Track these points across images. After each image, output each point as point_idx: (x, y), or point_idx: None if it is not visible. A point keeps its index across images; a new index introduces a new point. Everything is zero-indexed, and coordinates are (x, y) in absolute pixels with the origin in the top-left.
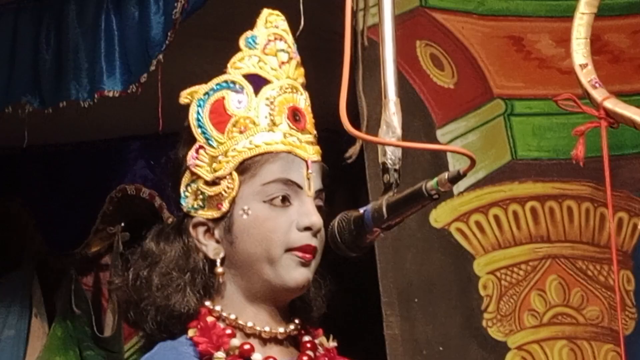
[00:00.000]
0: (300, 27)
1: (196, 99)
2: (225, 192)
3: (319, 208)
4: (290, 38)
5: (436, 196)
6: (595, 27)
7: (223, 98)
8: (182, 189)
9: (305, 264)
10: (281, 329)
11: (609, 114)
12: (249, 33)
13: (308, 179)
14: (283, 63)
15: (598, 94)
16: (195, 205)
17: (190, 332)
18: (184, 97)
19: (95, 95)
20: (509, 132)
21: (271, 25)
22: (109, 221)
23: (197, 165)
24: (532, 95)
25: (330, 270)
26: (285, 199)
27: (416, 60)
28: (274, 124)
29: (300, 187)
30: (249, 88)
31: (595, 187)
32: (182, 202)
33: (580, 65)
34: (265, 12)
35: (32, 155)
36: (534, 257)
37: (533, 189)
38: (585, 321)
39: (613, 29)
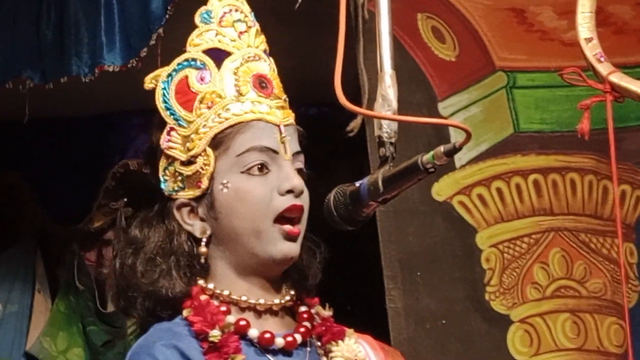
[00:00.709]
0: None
1: (160, 82)
2: (202, 169)
3: (299, 170)
4: (246, 7)
5: (432, 170)
6: None
7: (186, 77)
8: (161, 173)
9: (291, 238)
10: (276, 300)
11: (615, 88)
12: (203, 8)
13: (282, 142)
14: (242, 33)
15: (603, 68)
16: (176, 187)
17: (185, 312)
18: (148, 82)
19: (96, 70)
20: (511, 105)
21: None
22: (111, 196)
23: (170, 148)
24: (534, 67)
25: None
26: (262, 167)
27: (417, 33)
28: (241, 94)
29: (275, 152)
30: (210, 63)
31: (598, 160)
32: (162, 186)
33: (586, 39)
34: None
35: (34, 130)
36: (536, 230)
37: (536, 162)
38: (588, 294)
39: (617, 0)
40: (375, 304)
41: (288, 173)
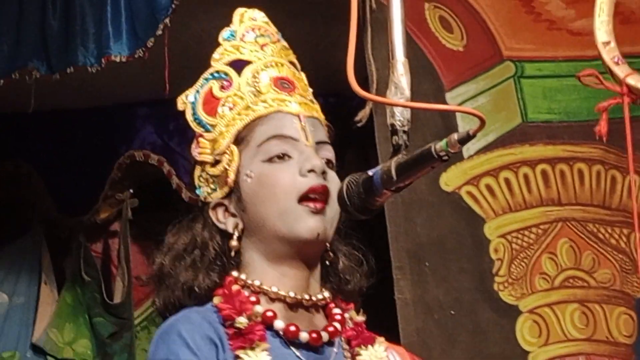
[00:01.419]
0: None
1: (189, 99)
2: (229, 165)
3: (327, 161)
4: (271, 27)
5: (445, 157)
6: None
7: (210, 88)
8: (196, 182)
9: (316, 211)
10: (306, 296)
11: (632, 90)
12: (226, 29)
13: (303, 130)
14: (264, 45)
15: (621, 71)
16: (209, 190)
17: (215, 300)
18: (180, 103)
19: (103, 60)
20: (519, 95)
21: (247, 19)
22: (117, 187)
23: (200, 153)
24: (542, 57)
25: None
26: (283, 155)
27: (425, 23)
28: (260, 92)
29: (295, 139)
30: (232, 72)
31: (606, 150)
32: (198, 192)
33: (604, 43)
34: (239, 11)
35: (40, 121)
36: (545, 220)
37: (544, 152)
38: (596, 284)
39: None
40: (383, 294)
41: (309, 155)
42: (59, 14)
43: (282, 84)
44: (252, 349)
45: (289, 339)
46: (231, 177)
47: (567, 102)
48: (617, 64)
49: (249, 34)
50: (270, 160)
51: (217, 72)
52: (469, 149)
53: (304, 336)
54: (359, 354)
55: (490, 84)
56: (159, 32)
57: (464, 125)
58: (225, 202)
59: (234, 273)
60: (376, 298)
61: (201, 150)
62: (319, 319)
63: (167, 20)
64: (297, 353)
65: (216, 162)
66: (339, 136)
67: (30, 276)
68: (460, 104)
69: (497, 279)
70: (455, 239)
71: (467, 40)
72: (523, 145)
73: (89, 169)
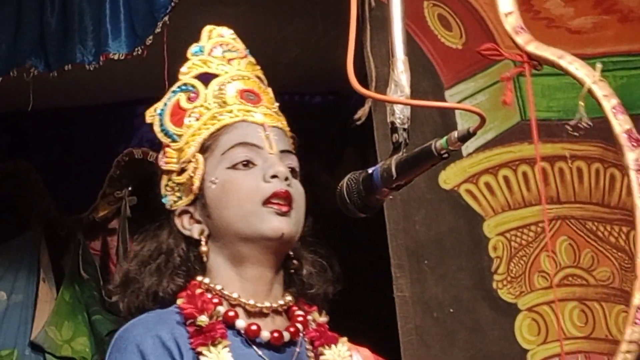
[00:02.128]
0: None
1: (157, 112)
2: (193, 173)
3: (291, 170)
4: (239, 44)
5: (446, 155)
6: None
7: (178, 100)
8: (162, 191)
9: (281, 213)
10: (267, 303)
11: (532, 57)
12: (194, 45)
13: (267, 139)
14: (231, 59)
15: (521, 39)
16: (175, 199)
17: (179, 301)
18: (148, 115)
19: (101, 58)
20: (518, 93)
21: (215, 36)
22: (116, 185)
23: (167, 163)
24: None
25: (339, 233)
26: (248, 162)
27: (424, 21)
28: (226, 103)
29: (260, 147)
30: (199, 85)
31: (605, 148)
32: (164, 200)
33: (505, 13)
34: (207, 28)
35: (39, 118)
36: (543, 219)
37: (542, 150)
38: (595, 282)
39: None
40: (383, 292)
41: (273, 162)
42: (57, 12)
43: (248, 95)
44: (214, 345)
45: (251, 338)
46: (196, 184)
47: (565, 100)
48: (518, 33)
49: (216, 49)
50: (234, 167)
51: (185, 84)
52: (467, 147)
53: (265, 335)
54: (322, 354)
55: (489, 82)
56: (158, 30)
57: (463, 123)
58: (191, 209)
59: (199, 277)
60: (375, 296)
61: (168, 160)
62: (281, 321)
63: (166, 19)
64: (259, 352)
65: (182, 171)
66: (338, 134)
67: (29, 274)
68: (459, 102)
69: (496, 277)
70: (454, 237)
71: (466, 38)
72: (522, 143)
73: (87, 167)
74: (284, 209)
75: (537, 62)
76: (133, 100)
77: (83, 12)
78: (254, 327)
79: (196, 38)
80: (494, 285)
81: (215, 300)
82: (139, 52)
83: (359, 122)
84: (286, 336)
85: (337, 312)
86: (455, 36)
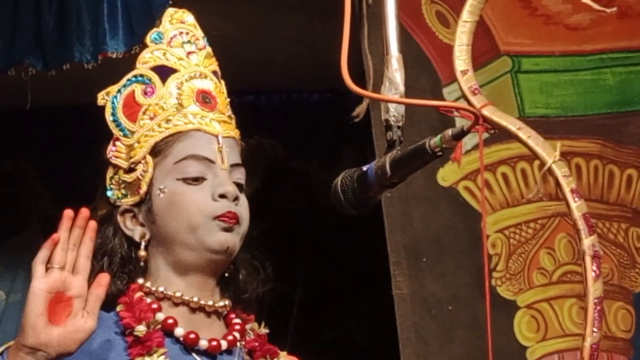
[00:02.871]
0: None
1: (110, 97)
2: (142, 175)
3: (237, 184)
4: (198, 32)
5: (440, 153)
6: None
7: (133, 91)
8: (108, 182)
9: (228, 228)
10: (210, 302)
11: (486, 120)
12: (154, 30)
13: (220, 152)
14: (190, 53)
15: (477, 101)
16: (120, 195)
17: (118, 308)
18: (100, 98)
19: (99, 57)
20: (516, 89)
21: (176, 22)
22: None
23: (115, 157)
24: (539, 52)
25: (338, 230)
26: (198, 178)
27: (422, 18)
28: (182, 106)
29: (212, 161)
30: (156, 78)
31: (603, 144)
32: (109, 194)
33: (462, 72)
34: (170, 10)
35: (38, 117)
36: (542, 215)
37: None
38: None
39: None
40: (381, 290)
41: (222, 180)
42: (54, 10)
43: (205, 98)
44: (150, 355)
45: (189, 345)
46: (143, 188)
47: (564, 97)
48: (474, 93)
49: (176, 39)
50: (184, 180)
51: (142, 75)
52: (466, 144)
53: (203, 343)
54: None
55: (487, 79)
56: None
57: (461, 120)
58: (135, 209)
59: (140, 280)
60: (374, 294)
61: (117, 154)
62: (220, 327)
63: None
64: (198, 359)
65: (130, 170)
66: (336, 132)
67: (28, 273)
68: (457, 99)
69: (494, 274)
70: (453, 234)
71: None
72: None
73: (86, 166)
74: (231, 222)
75: (490, 127)
76: None
77: (81, 11)
78: (192, 336)
79: None
80: (493, 282)
81: (155, 306)
82: (137, 51)
83: (356, 120)
84: (224, 345)
85: (336, 310)
86: (453, 33)
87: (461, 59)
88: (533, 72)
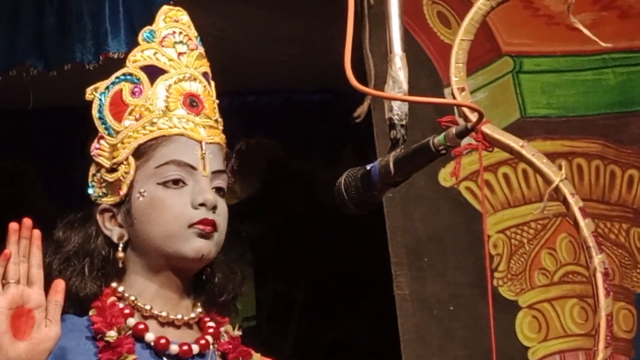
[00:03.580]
0: None
1: (98, 93)
2: (123, 177)
3: (218, 189)
4: (192, 31)
5: (444, 151)
6: None
7: (121, 90)
8: (90, 178)
9: (204, 235)
10: (179, 316)
11: (486, 138)
12: (147, 28)
13: (203, 159)
14: (181, 54)
15: (475, 118)
16: (100, 193)
17: (91, 312)
18: (88, 93)
19: (100, 57)
20: (517, 90)
21: (170, 20)
22: None
23: (98, 155)
24: (540, 52)
25: (338, 231)
26: (179, 180)
27: (423, 18)
28: (169, 109)
29: (194, 167)
30: (144, 78)
31: (604, 145)
32: (90, 191)
33: (459, 89)
34: (165, 8)
35: (39, 118)
36: (544, 216)
37: (542, 147)
38: None
39: None
40: (382, 290)
41: (203, 188)
42: (56, 11)
43: (192, 102)
44: None
45: (159, 351)
46: (124, 190)
47: (565, 97)
48: (472, 111)
49: (168, 38)
50: (164, 184)
51: (130, 74)
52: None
53: (174, 348)
54: None
55: (489, 79)
56: None
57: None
58: (114, 209)
59: (114, 284)
60: (375, 294)
61: (100, 153)
62: (190, 334)
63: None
64: None
65: (112, 170)
66: (337, 132)
67: None
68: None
69: (496, 274)
70: (454, 234)
71: None
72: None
73: (86, 167)
74: (208, 229)
75: (489, 144)
76: None
77: (82, 11)
78: (162, 341)
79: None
80: (495, 282)
81: (127, 312)
82: None
83: (358, 120)
84: (195, 349)
85: (337, 310)
86: (454, 33)
87: (458, 77)
88: (534, 72)
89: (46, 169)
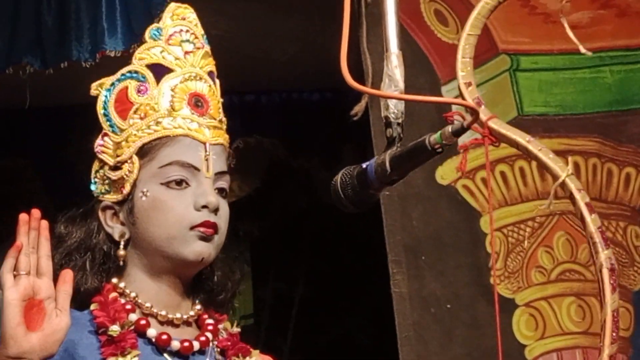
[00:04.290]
0: None
1: (104, 89)
2: (127, 175)
3: (220, 190)
4: (198, 29)
5: (440, 150)
6: None
7: (126, 87)
8: (93, 175)
9: (205, 238)
10: (178, 315)
11: (492, 133)
12: (154, 26)
13: (206, 160)
14: (187, 52)
15: (483, 113)
16: (103, 190)
17: (92, 306)
18: (93, 89)
19: (97, 55)
20: (515, 88)
21: (178, 18)
22: None
23: (102, 152)
24: (537, 50)
25: (338, 229)
26: (182, 181)
27: (420, 17)
28: (174, 109)
29: (197, 169)
30: (150, 77)
31: (602, 143)
32: (92, 187)
33: (465, 84)
34: (172, 5)
35: (37, 116)
36: (540, 214)
37: None
38: (593, 277)
39: None
40: (380, 289)
41: (205, 190)
42: (53, 9)
43: (197, 102)
44: (124, 355)
45: (161, 347)
46: (127, 188)
47: (563, 95)
48: (479, 105)
49: (175, 36)
50: (167, 184)
51: (136, 72)
52: (464, 142)
53: (175, 344)
54: None
55: (486, 77)
56: None
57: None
58: (116, 207)
59: (114, 280)
60: (374, 292)
61: (104, 150)
62: (189, 332)
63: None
64: (170, 359)
65: (116, 168)
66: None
67: None
68: (456, 97)
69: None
70: (452, 232)
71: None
72: None
73: (85, 165)
74: (209, 232)
75: (495, 139)
76: None
77: (79, 9)
78: (164, 337)
79: None
80: (492, 280)
81: (128, 307)
82: (136, 49)
83: (355, 118)
84: (196, 345)
85: (336, 308)
86: (451, 31)
87: (465, 72)
88: (532, 70)
89: (44, 166)
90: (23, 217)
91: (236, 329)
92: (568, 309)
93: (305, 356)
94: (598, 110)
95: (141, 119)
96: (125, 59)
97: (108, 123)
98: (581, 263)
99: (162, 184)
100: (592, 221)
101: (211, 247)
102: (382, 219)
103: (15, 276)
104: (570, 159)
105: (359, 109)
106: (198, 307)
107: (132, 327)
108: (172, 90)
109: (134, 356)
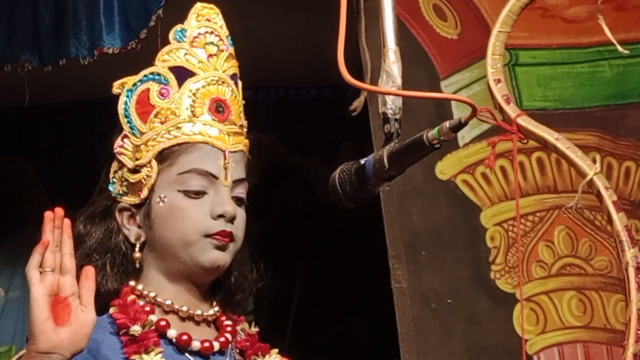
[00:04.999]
0: None
1: (125, 89)
2: (145, 179)
3: (238, 199)
4: (223, 31)
5: (438, 145)
6: None
7: (148, 89)
8: (111, 175)
9: (221, 247)
10: (199, 311)
11: (520, 130)
12: (178, 27)
13: (225, 168)
14: (211, 55)
15: (511, 110)
16: (121, 192)
17: (111, 310)
18: (115, 87)
19: (95, 52)
20: (513, 83)
21: (202, 19)
22: None
23: (121, 153)
24: (536, 44)
25: (337, 226)
26: (200, 189)
27: (419, 12)
28: (194, 115)
29: (215, 177)
30: (173, 80)
31: (601, 137)
32: (110, 187)
33: (495, 80)
34: (198, 5)
35: (35, 114)
36: (541, 208)
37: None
38: (593, 271)
39: None
40: (380, 284)
41: (223, 199)
42: (51, 6)
43: (218, 107)
44: (147, 353)
45: (182, 347)
46: (145, 192)
47: (561, 90)
48: (507, 102)
49: (199, 38)
50: (185, 192)
51: (159, 74)
52: (464, 137)
53: (196, 344)
54: None
55: (485, 72)
56: (152, 23)
57: (459, 113)
58: (134, 209)
59: (132, 282)
60: (373, 287)
61: (123, 151)
62: (209, 332)
63: (160, 12)
64: (191, 359)
65: (135, 171)
66: (335, 128)
67: None
68: (455, 93)
69: (493, 267)
70: (451, 227)
71: (461, 28)
72: None
73: (84, 162)
74: (224, 241)
75: (524, 136)
76: None
77: (77, 7)
78: (185, 337)
79: None
80: (492, 275)
81: (147, 309)
82: (133, 46)
83: (354, 114)
84: (216, 346)
85: (335, 306)
86: (450, 26)
87: (494, 68)
88: (530, 65)
89: (43, 164)
90: (48, 214)
91: (254, 329)
92: (569, 303)
93: (305, 354)
94: (597, 104)
95: (162, 123)
96: (123, 55)
97: (129, 125)
98: (582, 257)
99: (180, 191)
100: (618, 219)
101: (227, 256)
102: (382, 214)
103: (40, 273)
104: None
105: (357, 104)
106: (216, 307)
107: (153, 328)
108: (194, 95)
109: (157, 353)
